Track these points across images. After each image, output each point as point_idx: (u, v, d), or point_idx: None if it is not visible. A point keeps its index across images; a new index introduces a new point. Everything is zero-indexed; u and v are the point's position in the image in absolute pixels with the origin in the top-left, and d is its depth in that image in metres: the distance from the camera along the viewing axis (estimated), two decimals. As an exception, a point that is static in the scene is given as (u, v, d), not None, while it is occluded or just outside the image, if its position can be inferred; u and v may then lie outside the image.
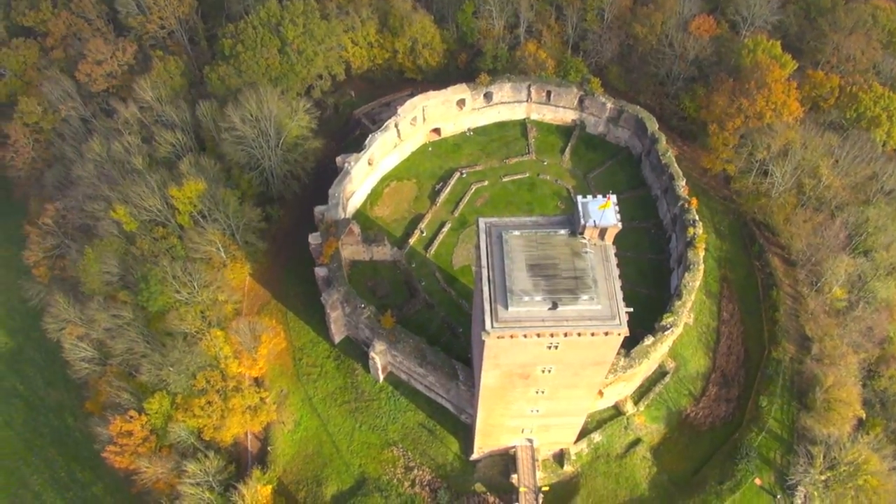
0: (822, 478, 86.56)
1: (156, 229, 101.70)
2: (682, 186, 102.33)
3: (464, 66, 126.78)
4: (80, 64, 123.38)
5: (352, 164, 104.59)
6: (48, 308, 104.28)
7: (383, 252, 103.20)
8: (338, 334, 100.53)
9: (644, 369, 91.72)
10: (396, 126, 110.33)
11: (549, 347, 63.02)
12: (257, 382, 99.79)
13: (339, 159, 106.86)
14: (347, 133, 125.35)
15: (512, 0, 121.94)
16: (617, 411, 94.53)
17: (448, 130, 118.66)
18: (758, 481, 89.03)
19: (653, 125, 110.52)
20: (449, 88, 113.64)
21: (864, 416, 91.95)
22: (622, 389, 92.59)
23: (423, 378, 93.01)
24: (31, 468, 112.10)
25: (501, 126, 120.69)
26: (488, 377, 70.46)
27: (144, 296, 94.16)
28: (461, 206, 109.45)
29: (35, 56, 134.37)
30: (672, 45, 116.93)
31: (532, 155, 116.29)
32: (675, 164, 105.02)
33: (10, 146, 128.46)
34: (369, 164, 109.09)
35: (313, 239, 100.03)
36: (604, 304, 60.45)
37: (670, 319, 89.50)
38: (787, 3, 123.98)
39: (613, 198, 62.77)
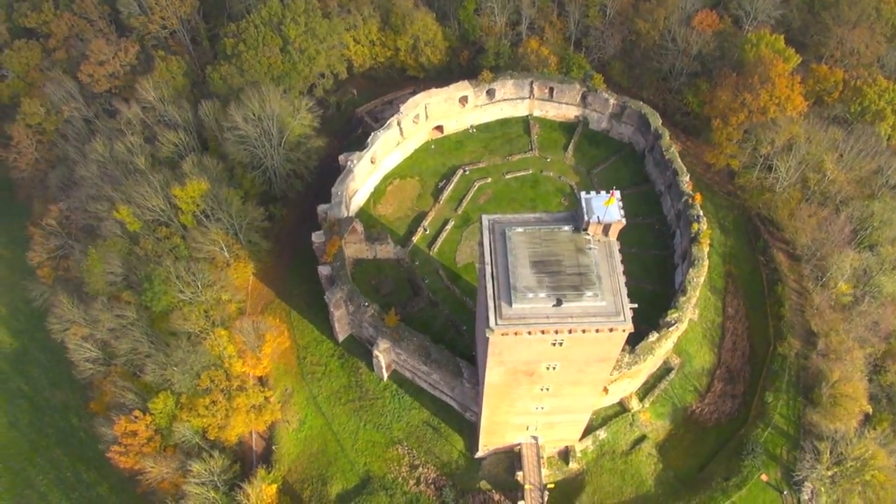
0: (829, 473, 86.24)
1: (159, 229, 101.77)
2: (685, 182, 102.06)
3: (466, 64, 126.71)
4: (82, 65, 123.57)
5: (354, 162, 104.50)
6: (52, 309, 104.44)
7: (387, 250, 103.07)
8: (342, 333, 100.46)
9: (649, 366, 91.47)
10: (399, 124, 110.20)
11: (554, 344, 62.85)
12: (261, 381, 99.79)
13: (341, 158, 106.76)
14: (350, 131, 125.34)
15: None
16: (622, 408, 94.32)
17: (451, 128, 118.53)
18: (764, 477, 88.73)
19: (656, 121, 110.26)
20: (451, 86, 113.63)
21: (870, 411, 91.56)
22: (627, 386, 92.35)
23: (428, 376, 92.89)
24: (36, 469, 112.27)
25: (504, 123, 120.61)
26: (493, 375, 70.29)
27: (148, 296, 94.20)
28: (464, 203, 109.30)
29: (37, 57, 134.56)
30: (675, 40, 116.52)
31: (535, 152, 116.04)
32: (679, 160, 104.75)
33: (13, 147, 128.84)
34: (372, 162, 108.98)
35: (316, 237, 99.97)
36: (608, 300, 60.23)
37: (675, 315, 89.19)
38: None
39: (617, 193, 62.56)
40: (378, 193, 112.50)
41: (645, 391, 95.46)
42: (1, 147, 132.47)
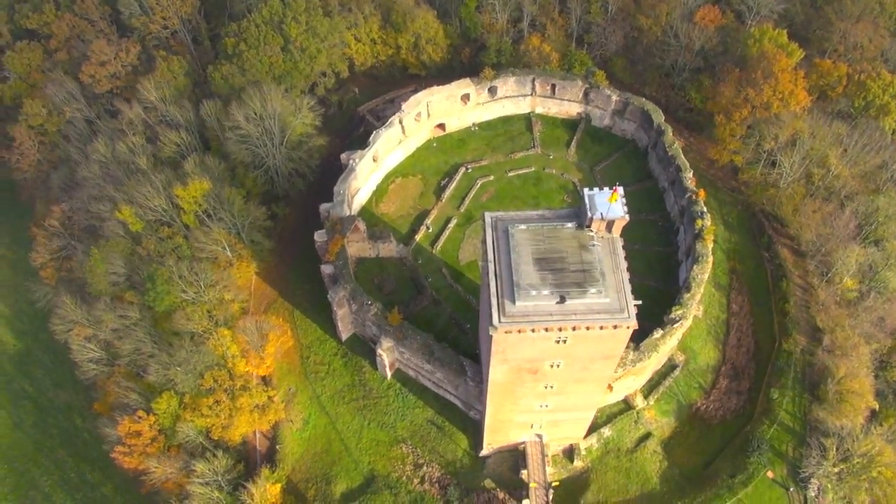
0: (836, 470, 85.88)
1: (161, 229, 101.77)
2: (689, 178, 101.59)
3: (467, 61, 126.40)
4: (83, 65, 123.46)
5: (356, 160, 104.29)
6: (55, 309, 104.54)
7: (389, 249, 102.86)
8: (345, 332, 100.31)
9: (653, 363, 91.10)
10: (401, 122, 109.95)
11: (558, 342, 62.53)
12: (265, 381, 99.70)
13: (343, 156, 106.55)
14: (352, 130, 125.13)
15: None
16: (627, 405, 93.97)
17: (453, 126, 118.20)
18: (770, 474, 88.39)
19: (659, 117, 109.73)
20: (453, 83, 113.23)
21: (877, 407, 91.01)
22: (632, 383, 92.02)
23: (431, 374, 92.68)
24: (40, 469, 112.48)
25: (506, 120, 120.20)
26: (496, 373, 70.04)
27: (151, 296, 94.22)
28: (467, 201, 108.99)
29: (39, 58, 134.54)
30: (677, 36, 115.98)
31: (537, 149, 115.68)
32: (682, 156, 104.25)
33: (15, 149, 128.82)
34: (374, 160, 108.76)
35: (319, 236, 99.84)
36: (612, 297, 59.87)
37: (679, 312, 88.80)
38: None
39: (621, 189, 62.20)
40: (380, 192, 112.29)
41: (650, 388, 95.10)
42: (3, 148, 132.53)
